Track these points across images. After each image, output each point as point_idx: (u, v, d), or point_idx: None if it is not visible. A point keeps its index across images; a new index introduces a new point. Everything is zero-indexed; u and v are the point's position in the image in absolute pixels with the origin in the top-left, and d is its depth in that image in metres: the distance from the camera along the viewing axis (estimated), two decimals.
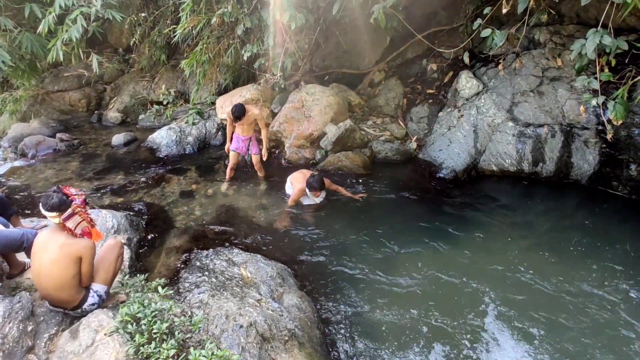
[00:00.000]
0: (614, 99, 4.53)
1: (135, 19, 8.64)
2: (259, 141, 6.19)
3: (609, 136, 4.79)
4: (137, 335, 2.40)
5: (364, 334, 3.40)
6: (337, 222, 5.03)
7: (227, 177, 6.10)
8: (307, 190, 5.15)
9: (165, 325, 2.45)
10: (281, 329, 2.94)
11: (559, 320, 3.53)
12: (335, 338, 3.36)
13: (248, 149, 6.01)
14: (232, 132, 6.00)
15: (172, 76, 9.38)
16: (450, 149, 6.24)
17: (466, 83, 6.55)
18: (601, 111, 5.04)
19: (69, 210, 2.69)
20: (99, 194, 5.82)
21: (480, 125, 6.18)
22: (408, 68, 7.96)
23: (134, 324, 2.52)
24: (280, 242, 4.73)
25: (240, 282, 3.69)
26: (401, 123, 7.16)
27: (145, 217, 5.17)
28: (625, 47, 4.13)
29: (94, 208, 4.98)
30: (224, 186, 6.00)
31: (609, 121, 4.75)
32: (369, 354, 3.18)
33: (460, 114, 6.44)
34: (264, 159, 6.06)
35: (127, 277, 3.43)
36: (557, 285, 3.91)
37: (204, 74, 7.46)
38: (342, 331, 3.43)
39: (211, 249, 4.35)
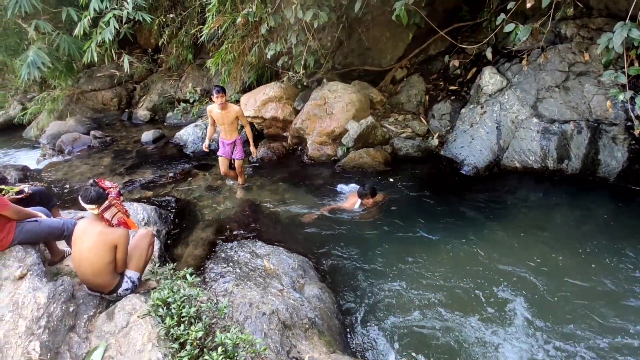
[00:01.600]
0: None
1: (164, 20, 8.96)
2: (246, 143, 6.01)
3: (637, 132, 4.67)
4: (168, 318, 2.58)
5: (381, 327, 3.49)
6: (357, 219, 5.11)
7: (225, 174, 5.91)
8: (358, 200, 5.18)
9: (193, 309, 2.62)
10: (302, 318, 3.07)
11: (568, 319, 3.50)
12: (353, 328, 3.45)
13: (232, 153, 5.77)
14: (212, 133, 5.83)
15: (198, 75, 9.67)
16: (473, 146, 6.21)
17: (489, 79, 6.49)
18: (629, 106, 4.92)
19: (106, 203, 2.89)
20: (130, 188, 6.11)
21: (504, 121, 6.12)
22: (430, 65, 7.93)
23: (165, 308, 2.69)
24: (302, 236, 4.85)
25: (263, 273, 3.84)
26: (423, 120, 7.16)
27: (173, 210, 5.40)
28: None
29: (125, 201, 5.25)
30: (238, 192, 5.87)
31: (638, 117, 4.64)
32: (385, 346, 3.26)
33: (483, 110, 6.39)
34: (254, 156, 5.95)
35: (157, 266, 3.63)
36: (574, 286, 3.86)
37: (229, 73, 7.67)
38: (361, 323, 3.53)
39: (235, 242, 4.52)
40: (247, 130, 5.82)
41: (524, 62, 5.93)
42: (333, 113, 6.69)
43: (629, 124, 5.15)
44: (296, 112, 7.33)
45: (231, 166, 5.96)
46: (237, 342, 2.42)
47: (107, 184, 2.98)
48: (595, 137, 5.51)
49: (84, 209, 3.23)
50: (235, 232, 4.91)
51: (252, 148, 5.86)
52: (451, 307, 3.66)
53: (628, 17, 4.14)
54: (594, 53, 5.67)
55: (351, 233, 4.82)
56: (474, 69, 7.21)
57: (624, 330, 3.37)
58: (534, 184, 5.77)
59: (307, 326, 3.02)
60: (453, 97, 7.19)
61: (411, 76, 7.83)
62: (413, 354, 3.23)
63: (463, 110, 6.75)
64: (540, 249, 4.41)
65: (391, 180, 5.97)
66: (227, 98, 8.68)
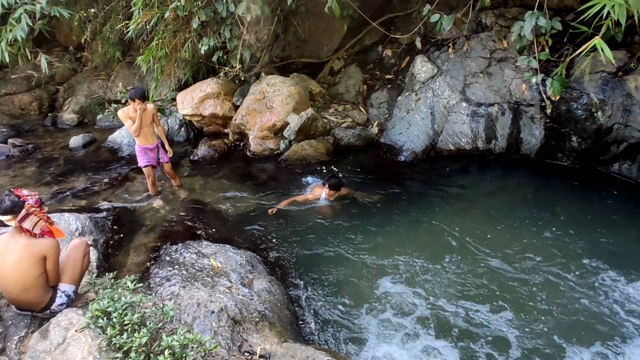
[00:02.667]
0: (552, 77, 4.88)
1: (85, 15, 8.34)
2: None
3: (548, 111, 5.15)
4: (109, 328, 2.46)
5: (331, 312, 3.59)
6: (302, 210, 5.17)
7: (153, 192, 5.51)
8: (324, 190, 5.13)
9: (136, 316, 2.52)
10: (252, 312, 3.07)
11: (510, 286, 3.84)
12: (305, 316, 3.52)
13: (158, 158, 5.34)
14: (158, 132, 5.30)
15: (128, 73, 9.14)
16: (410, 132, 6.50)
17: (421, 67, 6.79)
18: (541, 88, 5.40)
19: (23, 212, 2.69)
20: (59, 198, 5.69)
21: (437, 107, 6.46)
22: (366, 55, 8.13)
23: (105, 318, 2.57)
24: (250, 231, 4.82)
25: (210, 272, 3.78)
26: (362, 109, 7.35)
27: (111, 217, 5.12)
28: (559, 27, 4.45)
29: (53, 211, 4.88)
30: (156, 202, 5.41)
31: (549, 97, 5.11)
32: (335, 330, 3.37)
33: (417, 97, 6.69)
34: (169, 155, 5.41)
35: (94, 276, 3.44)
36: (510, 256, 4.22)
37: (162, 70, 7.34)
38: (312, 310, 3.61)
39: (180, 244, 4.39)
40: (160, 130, 5.36)
41: (450, 50, 6.29)
42: (273, 107, 6.67)
43: (543, 104, 5.65)
44: (236, 107, 7.20)
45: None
46: (184, 343, 2.37)
47: (24, 192, 2.77)
48: (516, 117, 5.99)
49: (4, 224, 2.98)
50: (179, 234, 4.76)
51: (167, 147, 5.37)
52: (395, 288, 3.85)
53: (536, 7, 4.53)
54: (511, 40, 6.13)
55: (299, 225, 4.87)
56: (408, 58, 7.50)
57: (549, 289, 3.75)
58: (467, 165, 6.17)
59: (257, 319, 3.02)
60: (389, 86, 7.45)
61: (348, 67, 7.98)
62: (362, 335, 3.37)
63: (399, 98, 7.01)
64: (474, 225, 4.74)
65: (335, 169, 6.09)
66: (163, 97, 8.39)
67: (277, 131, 6.66)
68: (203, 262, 3.95)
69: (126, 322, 2.49)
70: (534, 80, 4.96)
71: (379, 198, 5.26)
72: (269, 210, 5.08)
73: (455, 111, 6.32)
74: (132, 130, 5.00)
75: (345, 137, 6.74)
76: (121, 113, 5.00)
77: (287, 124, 6.61)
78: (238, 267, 3.91)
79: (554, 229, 4.56)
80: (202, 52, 6.82)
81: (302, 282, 3.97)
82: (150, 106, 5.11)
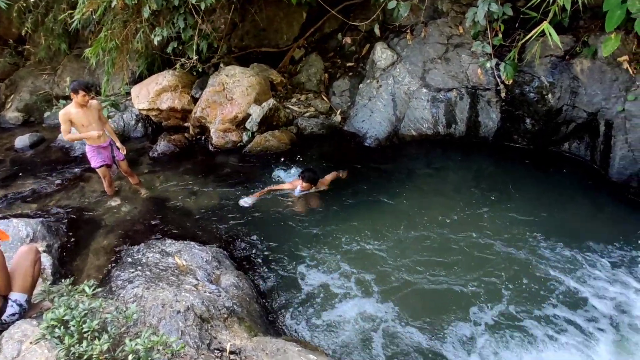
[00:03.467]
0: (506, 61, 5.05)
1: (24, 5, 7.75)
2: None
3: (503, 95, 5.34)
4: (67, 337, 2.33)
5: (300, 303, 3.60)
6: (266, 200, 5.11)
7: (110, 192, 5.27)
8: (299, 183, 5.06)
9: (96, 322, 2.40)
10: (219, 308, 3.01)
11: (469, 259, 3.99)
12: (274, 309, 3.51)
13: (113, 157, 5.04)
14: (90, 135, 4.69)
15: (77, 67, 8.62)
16: (373, 119, 6.55)
17: (381, 54, 6.83)
18: (496, 72, 5.58)
19: None
20: (7, 203, 5.32)
21: (398, 93, 6.53)
22: (327, 43, 8.08)
23: (62, 327, 2.43)
24: (215, 226, 4.72)
25: (175, 271, 3.67)
26: (324, 98, 7.33)
27: (66, 221, 4.85)
28: (510, 12, 4.59)
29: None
30: (114, 203, 5.17)
31: (503, 82, 5.29)
32: (306, 318, 3.38)
33: (379, 84, 6.73)
34: (123, 152, 5.07)
35: (48, 283, 3.25)
36: (468, 232, 4.39)
37: (113, 63, 6.98)
38: (281, 302, 3.60)
39: (142, 243, 4.23)
40: (108, 127, 5.02)
41: (408, 36, 6.35)
42: (233, 98, 6.51)
43: (498, 88, 5.84)
44: (195, 100, 6.97)
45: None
46: (150, 346, 2.29)
47: None
48: (474, 102, 6.16)
49: None
50: (141, 234, 4.59)
51: (119, 144, 5.05)
52: (362, 274, 3.90)
53: None
54: (466, 26, 6.27)
55: (266, 218, 4.82)
56: (368, 45, 7.52)
57: (509, 264, 3.93)
58: (429, 149, 6.31)
59: (225, 316, 2.97)
60: (351, 74, 7.46)
61: (309, 55, 7.90)
62: (331, 322, 3.40)
63: (361, 85, 7.04)
64: (437, 205, 4.89)
65: (294, 157, 6.04)
66: (116, 91, 7.98)
67: (239, 123, 6.52)
68: (167, 261, 3.83)
69: (85, 330, 2.36)
70: (488, 65, 5.11)
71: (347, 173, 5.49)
72: (243, 202, 4.99)
73: (415, 97, 6.42)
74: (67, 136, 4.64)
75: (308, 127, 6.70)
76: (62, 114, 4.55)
77: (249, 115, 6.48)
78: (204, 263, 3.83)
79: (509, 206, 4.78)
80: (156, 43, 6.53)
81: (271, 275, 3.94)
82: (94, 102, 4.77)
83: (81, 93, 4.49)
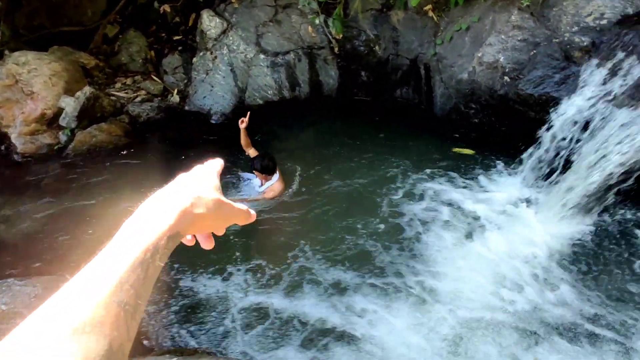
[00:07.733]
0: (333, 17, 5.14)
1: None
2: None
3: (336, 50, 5.48)
4: None
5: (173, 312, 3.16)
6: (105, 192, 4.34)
7: None
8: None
9: None
10: None
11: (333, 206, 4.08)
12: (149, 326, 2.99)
13: None
14: None
15: None
16: (214, 94, 6.08)
17: (209, 22, 6.29)
18: (326, 29, 5.68)
19: None
20: None
21: (236, 63, 6.16)
22: (145, 15, 7.10)
23: None
24: (44, 252, 3.78)
25: None
26: (155, 78, 6.49)
27: None
28: None
29: None
30: None
31: (334, 37, 5.41)
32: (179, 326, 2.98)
33: (213, 56, 6.23)
34: None
35: None
36: (326, 183, 4.57)
37: None
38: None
39: None
40: None
41: (234, 0, 5.96)
42: (34, 92, 5.22)
43: (331, 45, 5.98)
44: None
45: None
46: None
47: None
48: (312, 62, 6.20)
49: None
50: None
51: None
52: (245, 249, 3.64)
53: None
54: None
55: (98, 214, 4.06)
56: (193, 15, 6.86)
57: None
58: (278, 115, 6.18)
59: None
60: (181, 48, 6.74)
61: (126, 32, 6.84)
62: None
63: (194, 59, 6.42)
64: (298, 164, 4.92)
65: (132, 150, 5.27)
66: None
67: (51, 121, 5.30)
68: None
69: None
70: (317, 21, 5.14)
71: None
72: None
73: (255, 64, 6.15)
74: None
75: (143, 113, 5.86)
76: None
77: (61, 109, 5.30)
78: (33, 300, 3.01)
79: (360, 153, 5.08)
80: None
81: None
82: None
83: None
